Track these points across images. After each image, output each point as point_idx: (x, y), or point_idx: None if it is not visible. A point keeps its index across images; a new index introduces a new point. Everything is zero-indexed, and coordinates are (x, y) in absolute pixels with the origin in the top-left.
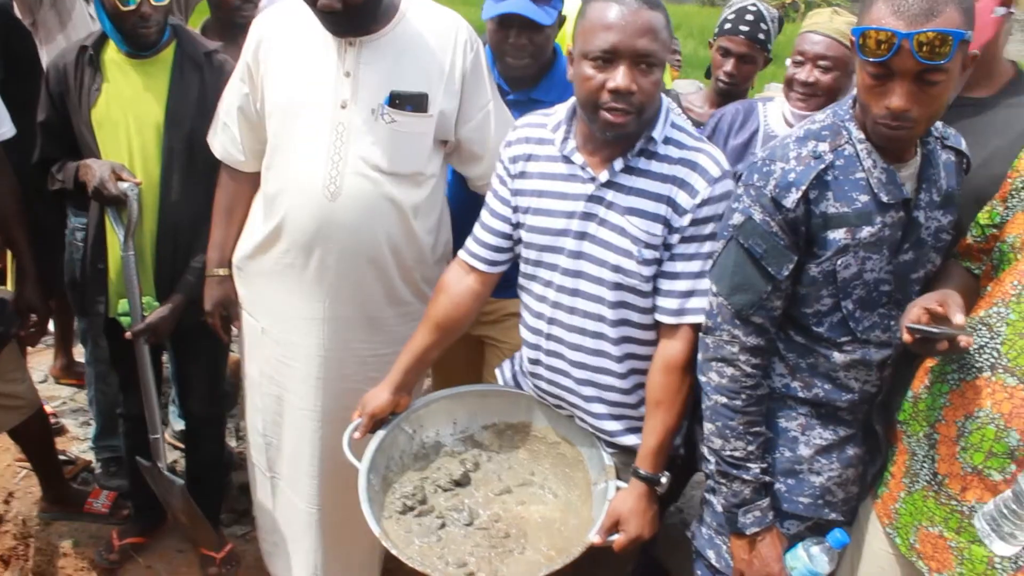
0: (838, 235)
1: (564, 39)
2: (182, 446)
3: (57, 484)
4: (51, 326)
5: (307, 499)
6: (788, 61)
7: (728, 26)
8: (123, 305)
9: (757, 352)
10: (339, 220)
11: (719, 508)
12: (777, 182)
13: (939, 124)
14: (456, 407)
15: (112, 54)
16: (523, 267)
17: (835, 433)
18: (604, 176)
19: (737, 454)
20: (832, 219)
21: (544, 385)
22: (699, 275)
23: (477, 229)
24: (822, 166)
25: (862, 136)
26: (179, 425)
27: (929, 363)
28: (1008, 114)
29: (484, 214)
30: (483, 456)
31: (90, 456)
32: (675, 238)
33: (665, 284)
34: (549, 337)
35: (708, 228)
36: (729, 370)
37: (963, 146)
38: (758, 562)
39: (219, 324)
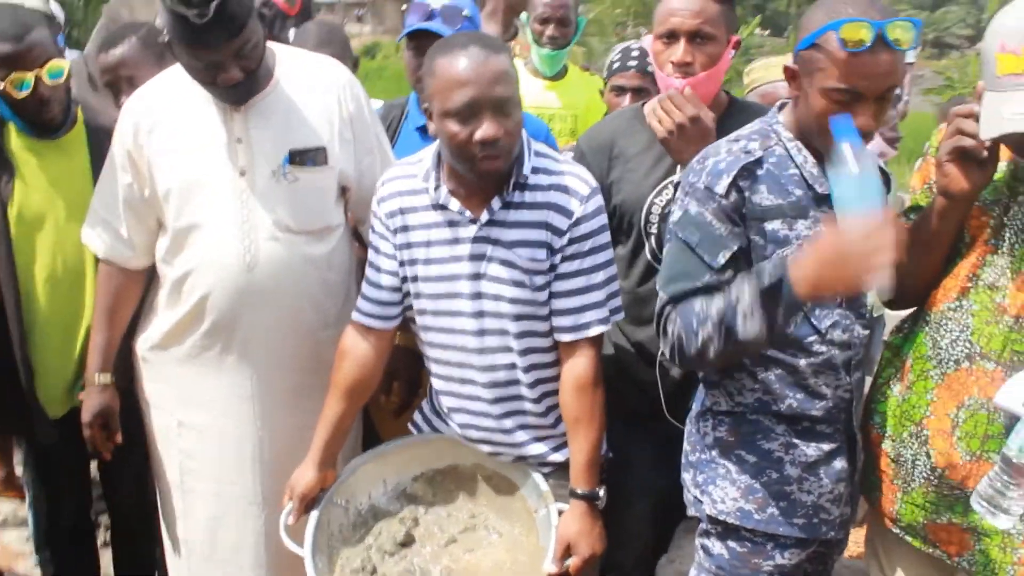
0: (775, 226)
1: None
2: None
3: None
4: None
5: None
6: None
7: (616, 65)
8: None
9: None
10: (260, 289)
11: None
12: (708, 172)
13: None
14: (382, 467)
15: (17, 140)
16: (420, 319)
17: (819, 449)
18: (484, 216)
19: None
20: (768, 211)
21: (470, 432)
22: (586, 290)
23: (366, 288)
24: (751, 159)
25: (790, 135)
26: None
27: (906, 366)
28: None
29: (370, 272)
30: (420, 510)
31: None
32: (557, 258)
33: (556, 304)
34: (463, 381)
35: (587, 245)
36: (678, 327)
37: (883, 164)
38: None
39: (99, 437)
